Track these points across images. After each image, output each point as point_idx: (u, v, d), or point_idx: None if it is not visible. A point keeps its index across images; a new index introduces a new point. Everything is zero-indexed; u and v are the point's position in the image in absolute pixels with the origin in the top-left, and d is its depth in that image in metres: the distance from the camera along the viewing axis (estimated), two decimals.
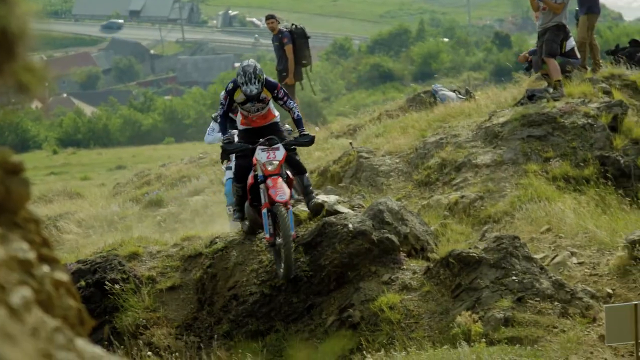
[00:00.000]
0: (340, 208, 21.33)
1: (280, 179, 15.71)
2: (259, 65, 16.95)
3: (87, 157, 59.98)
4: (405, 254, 20.95)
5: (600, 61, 30.91)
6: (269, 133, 17.51)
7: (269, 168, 15.60)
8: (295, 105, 17.55)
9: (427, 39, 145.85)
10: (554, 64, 27.96)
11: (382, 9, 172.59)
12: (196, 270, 21.34)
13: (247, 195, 17.05)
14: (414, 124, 31.53)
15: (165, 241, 23.85)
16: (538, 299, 20.41)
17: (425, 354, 18.58)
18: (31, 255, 4.94)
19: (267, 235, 15.29)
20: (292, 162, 21.40)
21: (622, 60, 30.69)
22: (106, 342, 18.74)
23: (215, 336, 20.23)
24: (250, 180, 16.39)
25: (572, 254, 22.20)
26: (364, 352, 19.16)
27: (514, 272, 20.44)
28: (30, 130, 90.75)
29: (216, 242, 21.86)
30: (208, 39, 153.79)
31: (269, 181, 15.65)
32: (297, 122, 17.54)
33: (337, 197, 22.72)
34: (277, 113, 18.78)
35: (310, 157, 31.08)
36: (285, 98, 17.06)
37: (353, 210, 21.76)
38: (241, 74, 15.98)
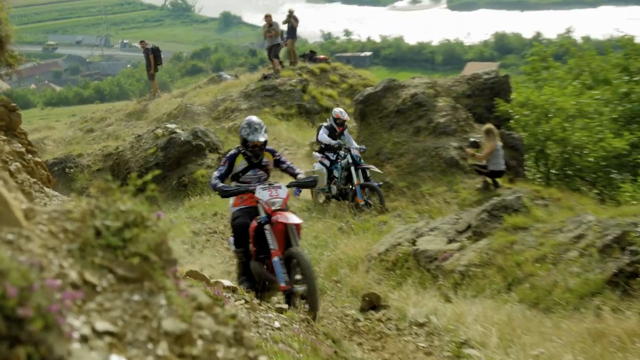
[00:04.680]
0: (177, 130, 27.39)
1: (288, 212, 10.76)
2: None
3: (60, 111, 68.19)
4: (208, 151, 26.81)
5: (298, 59, 36.15)
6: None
7: (273, 207, 10.76)
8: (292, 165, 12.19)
9: (218, 52, 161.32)
10: (276, 61, 34.36)
11: (196, 37, 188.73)
12: (110, 161, 27.24)
13: (250, 254, 11.38)
14: (212, 91, 37.71)
15: (94, 148, 29.48)
16: None
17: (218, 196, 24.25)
18: (23, 149, 9.95)
19: (283, 285, 10.43)
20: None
21: (306, 59, 36.32)
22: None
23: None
24: (253, 225, 11.05)
25: (286, 149, 27.99)
26: (190, 197, 24.11)
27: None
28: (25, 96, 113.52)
29: (118, 147, 27.93)
30: (115, 54, 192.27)
31: (276, 215, 10.70)
32: (296, 175, 11.93)
33: (175, 125, 28.50)
34: None
35: (161, 107, 35.87)
36: (285, 159, 12.03)
37: (183, 130, 27.39)
38: (245, 127, 11.48)
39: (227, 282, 9.65)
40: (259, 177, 11.85)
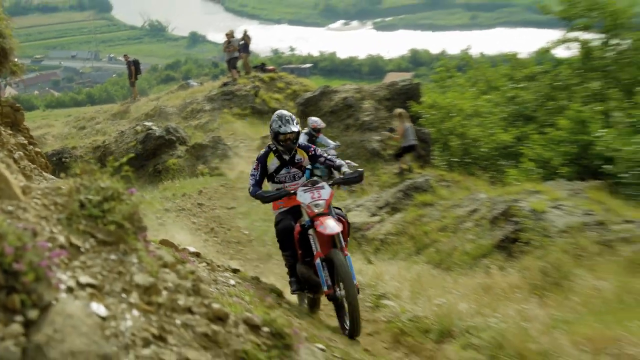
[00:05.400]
0: (153, 127, 26.86)
1: (330, 217, 8.48)
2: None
3: (58, 112, 67.02)
4: (178, 144, 26.15)
5: (251, 70, 35.48)
6: None
7: (316, 210, 8.59)
8: (332, 156, 9.68)
9: (187, 64, 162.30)
10: (234, 71, 34.03)
11: (169, 52, 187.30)
12: (98, 152, 26.38)
13: (297, 257, 9.14)
14: (181, 95, 37.27)
15: (86, 141, 28.70)
16: None
17: (187, 180, 23.15)
18: (25, 141, 8.65)
19: (326, 289, 8.44)
20: None
21: (258, 70, 35.57)
22: None
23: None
24: (297, 229, 8.97)
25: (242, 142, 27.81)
26: (164, 182, 23.67)
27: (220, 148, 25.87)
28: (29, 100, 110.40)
29: (105, 141, 27.50)
30: (103, 66, 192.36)
31: (317, 221, 8.48)
32: (339, 168, 9.22)
33: (151, 123, 28.08)
34: None
35: (140, 109, 35.18)
36: (322, 153, 9.55)
37: (158, 127, 26.83)
38: (276, 120, 9.18)
39: (192, 249, 9.51)
40: (293, 176, 9.40)
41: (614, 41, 24.38)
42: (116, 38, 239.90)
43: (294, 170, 9.32)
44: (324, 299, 9.00)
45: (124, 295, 3.07)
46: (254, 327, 3.45)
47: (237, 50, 34.12)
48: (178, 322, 3.18)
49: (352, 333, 7.83)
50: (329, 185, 8.73)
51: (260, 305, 5.93)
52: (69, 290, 2.84)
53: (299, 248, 8.72)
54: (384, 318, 9.15)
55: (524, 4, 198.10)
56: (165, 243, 9.06)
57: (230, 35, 34.02)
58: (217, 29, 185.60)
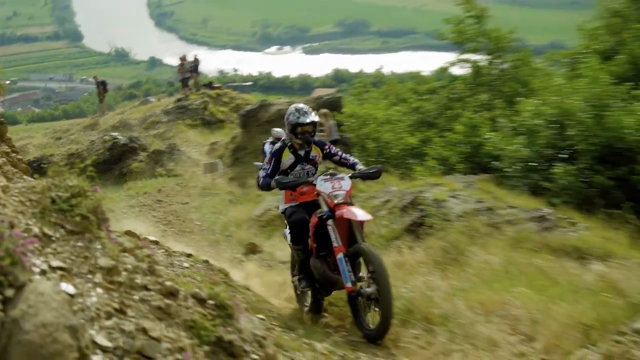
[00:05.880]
0: (118, 136, 26.15)
1: (356, 206, 7.16)
2: None
3: (39, 126, 65.09)
4: (140, 150, 25.33)
5: (201, 88, 34.41)
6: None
7: (336, 200, 7.14)
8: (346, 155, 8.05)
9: (147, 84, 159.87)
10: (186, 89, 33.56)
11: (132, 74, 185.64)
12: (72, 159, 24.96)
13: (310, 251, 7.64)
14: (142, 110, 36.71)
15: (62, 150, 27.64)
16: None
17: (148, 181, 22.22)
18: (9, 150, 7.00)
19: (349, 285, 6.85)
20: None
21: (207, 88, 34.76)
22: None
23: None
24: (313, 220, 7.45)
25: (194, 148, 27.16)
26: (128, 182, 22.57)
27: (175, 154, 25.23)
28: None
29: (78, 149, 26.20)
30: (76, 86, 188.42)
31: (342, 209, 6.97)
32: (353, 166, 7.81)
33: (117, 133, 27.18)
34: None
35: (108, 121, 34.08)
36: (338, 151, 8.04)
37: (122, 137, 26.06)
38: (293, 112, 7.70)
39: (152, 238, 9.37)
40: (308, 172, 7.88)
41: (497, 61, 25.01)
42: (87, 62, 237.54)
43: (308, 166, 7.87)
44: (326, 302, 7.90)
45: (89, 276, 3.06)
46: (201, 301, 3.46)
47: (189, 71, 33.88)
48: (136, 297, 3.17)
49: (382, 332, 6.24)
50: (349, 177, 7.40)
51: (209, 283, 5.90)
52: (42, 272, 2.83)
53: (314, 241, 7.31)
54: None
55: (426, 31, 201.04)
56: (129, 233, 8.84)
57: (183, 59, 33.96)
58: (172, 54, 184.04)
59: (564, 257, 8.65)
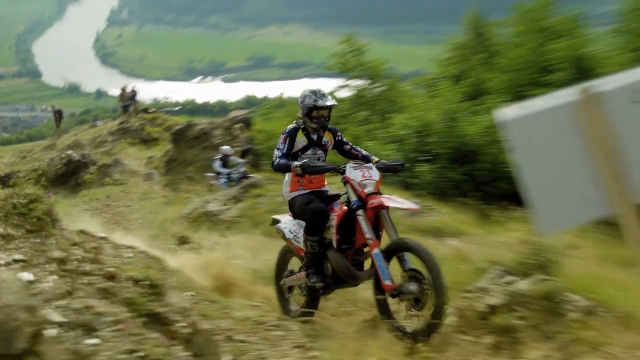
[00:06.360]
0: (73, 154, 24.10)
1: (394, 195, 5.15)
2: None
3: (7, 148, 60.68)
4: (90, 165, 23.60)
5: (139, 113, 33.00)
6: (329, 198, 5.66)
7: (367, 189, 4.98)
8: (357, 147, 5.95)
9: (95, 111, 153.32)
10: (127, 114, 32.20)
11: (83, 104, 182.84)
12: (36, 174, 23.44)
13: (325, 248, 5.30)
14: (91, 132, 35.70)
15: (27, 167, 26.77)
16: None
17: (98, 189, 21.19)
18: None
19: (388, 283, 4.54)
20: None
21: (144, 112, 33.66)
22: None
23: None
24: (340, 211, 5.14)
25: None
26: (82, 191, 21.33)
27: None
28: None
29: (40, 166, 24.82)
30: (38, 115, 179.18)
31: (380, 197, 4.90)
32: (367, 158, 5.66)
33: (72, 151, 25.10)
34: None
35: (64, 142, 32.33)
36: (348, 141, 5.97)
37: (76, 154, 24.08)
38: (309, 94, 5.71)
39: (101, 234, 9.18)
40: (318, 158, 5.86)
41: (373, 85, 25.64)
42: (45, 95, 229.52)
43: (319, 152, 5.89)
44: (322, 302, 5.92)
45: (46, 265, 3.05)
46: (137, 282, 3.46)
47: (129, 99, 33.21)
48: (84, 281, 3.15)
49: (430, 330, 4.42)
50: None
51: (143, 267, 5.84)
52: (7, 264, 2.84)
53: (337, 233, 5.29)
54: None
55: (318, 63, 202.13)
56: (82, 231, 8.69)
57: (123, 89, 33.37)
58: (115, 86, 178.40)
59: (427, 235, 8.84)
